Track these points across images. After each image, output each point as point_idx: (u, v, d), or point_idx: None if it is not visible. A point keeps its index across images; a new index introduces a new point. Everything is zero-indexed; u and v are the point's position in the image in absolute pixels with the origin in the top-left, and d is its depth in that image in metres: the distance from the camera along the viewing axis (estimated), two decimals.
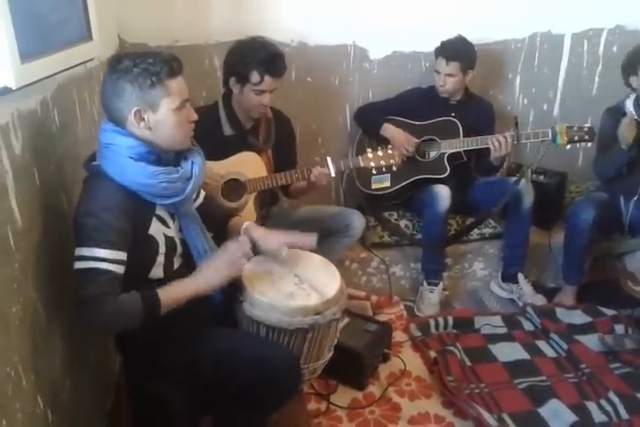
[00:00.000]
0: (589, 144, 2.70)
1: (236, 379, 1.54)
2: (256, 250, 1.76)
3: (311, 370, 1.73)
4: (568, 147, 2.64)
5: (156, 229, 1.59)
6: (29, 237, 1.39)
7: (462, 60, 2.68)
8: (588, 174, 3.16)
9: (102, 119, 1.57)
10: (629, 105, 2.69)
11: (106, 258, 1.43)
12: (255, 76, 2.25)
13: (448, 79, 2.71)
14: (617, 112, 2.73)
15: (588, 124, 2.65)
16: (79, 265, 1.44)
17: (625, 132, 2.51)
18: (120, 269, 1.47)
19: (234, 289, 1.65)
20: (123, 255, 1.47)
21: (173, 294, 1.51)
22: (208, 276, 1.57)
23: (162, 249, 1.61)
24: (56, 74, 1.56)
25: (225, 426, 1.72)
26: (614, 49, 3.16)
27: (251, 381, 1.52)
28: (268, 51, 2.26)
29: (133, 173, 1.48)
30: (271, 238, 1.77)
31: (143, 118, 1.48)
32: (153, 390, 1.64)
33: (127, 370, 1.76)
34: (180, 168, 1.56)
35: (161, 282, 1.56)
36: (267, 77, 2.25)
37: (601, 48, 3.17)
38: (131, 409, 1.84)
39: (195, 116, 1.55)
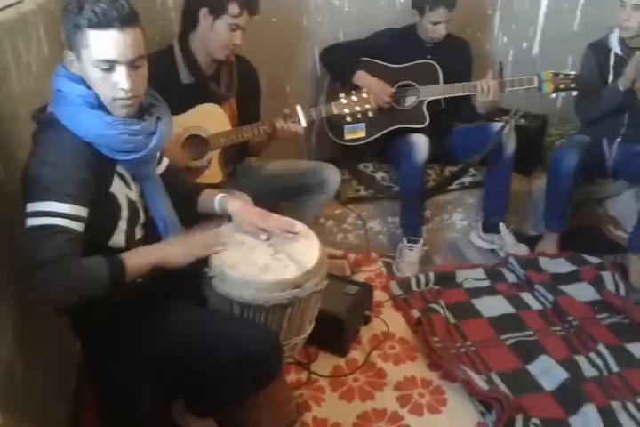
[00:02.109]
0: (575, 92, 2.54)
1: (210, 364, 1.40)
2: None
3: (291, 346, 1.60)
4: (553, 95, 2.50)
5: (118, 189, 1.41)
6: None
7: (454, 4, 2.47)
8: (567, 117, 3.04)
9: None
10: (614, 40, 2.54)
11: (66, 213, 1.25)
12: (234, 8, 2.02)
13: (445, 26, 2.50)
14: (601, 48, 2.60)
15: (573, 72, 2.49)
16: (32, 222, 1.25)
17: (632, 73, 2.35)
18: (80, 227, 1.29)
19: (200, 263, 1.48)
20: (83, 211, 1.29)
21: (138, 258, 1.36)
22: (177, 248, 1.43)
23: (124, 213, 1.43)
24: None
25: (199, 411, 1.59)
26: None
27: (226, 365, 1.39)
28: None
29: (89, 122, 1.30)
30: (248, 218, 1.58)
31: (71, 62, 1.32)
32: (115, 376, 1.50)
33: (85, 355, 1.61)
34: (142, 121, 1.38)
35: (121, 252, 1.38)
36: (245, 12, 2.03)
37: None
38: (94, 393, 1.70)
39: (124, 85, 1.30)
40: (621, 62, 2.50)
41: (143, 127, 1.37)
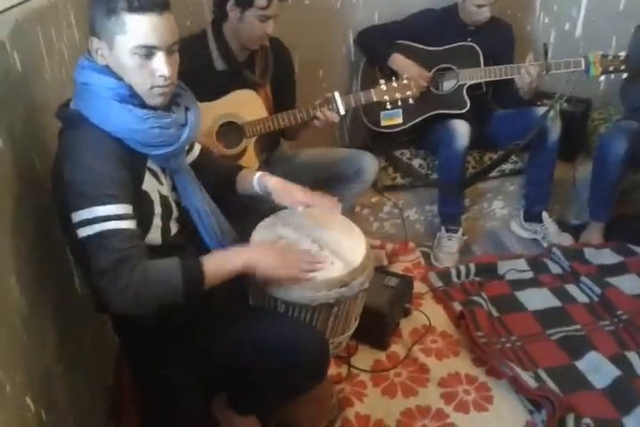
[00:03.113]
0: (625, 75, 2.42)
1: (257, 365, 1.35)
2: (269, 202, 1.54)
3: (336, 344, 1.54)
4: (602, 78, 2.38)
5: (150, 185, 1.35)
6: None
7: None
8: (611, 100, 2.91)
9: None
10: None
11: (111, 215, 1.19)
12: (261, 0, 1.93)
13: (488, 9, 2.38)
14: None
15: (622, 53, 2.36)
16: (82, 233, 1.19)
17: None
18: (132, 224, 1.22)
19: None
20: (129, 209, 1.22)
21: (217, 266, 1.27)
22: (266, 259, 1.34)
23: (157, 209, 1.37)
24: (10, 9, 1.30)
25: (242, 409, 1.55)
26: None
27: (272, 365, 1.33)
28: None
29: (118, 116, 1.23)
30: (287, 194, 1.52)
31: (97, 51, 1.24)
32: (158, 373, 1.46)
33: (128, 354, 1.57)
34: (171, 113, 1.31)
35: (158, 250, 1.33)
36: (273, 0, 1.94)
37: None
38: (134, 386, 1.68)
39: (165, 72, 1.23)
40: None
41: (174, 120, 1.30)
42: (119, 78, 1.25)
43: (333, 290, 1.37)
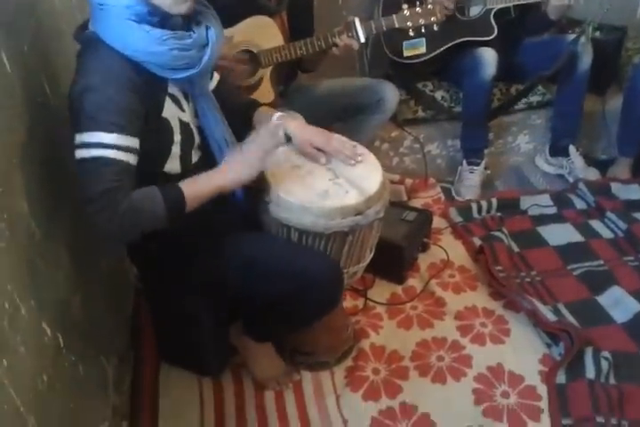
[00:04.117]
0: None
1: (270, 291, 1.35)
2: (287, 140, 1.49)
3: (350, 274, 1.53)
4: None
5: (170, 112, 1.32)
6: (8, 139, 1.14)
7: None
8: None
9: None
10: None
11: (114, 144, 1.17)
12: None
13: None
14: None
15: None
16: (80, 154, 1.18)
17: None
18: (132, 159, 1.21)
19: (257, 189, 1.39)
20: (134, 142, 1.21)
21: (196, 186, 1.27)
22: (234, 167, 1.31)
23: (177, 137, 1.34)
24: None
25: (258, 335, 1.57)
26: None
27: (287, 293, 1.33)
28: None
29: (137, 38, 1.19)
30: (308, 138, 1.46)
31: None
32: (173, 302, 1.47)
33: (144, 284, 1.58)
34: (192, 33, 1.26)
35: (178, 178, 1.31)
36: None
37: None
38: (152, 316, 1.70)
39: None
40: None
41: (194, 40, 1.25)
42: None
43: (348, 218, 1.35)
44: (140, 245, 1.39)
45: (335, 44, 1.99)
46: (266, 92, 2.07)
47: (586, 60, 2.35)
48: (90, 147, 1.17)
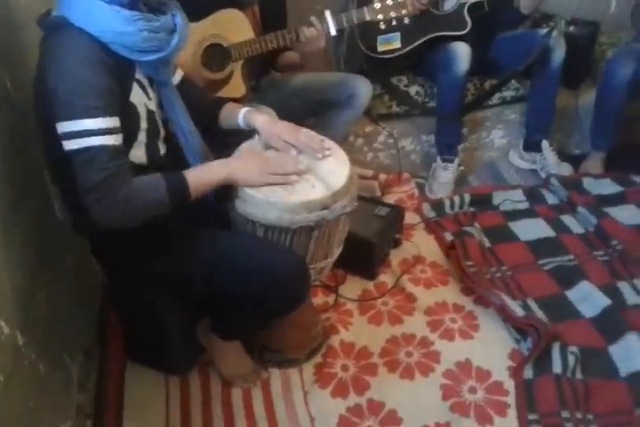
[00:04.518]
0: None
1: (236, 286, 1.33)
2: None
3: (318, 269, 1.52)
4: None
5: (137, 97, 1.30)
6: None
7: None
8: (622, 23, 2.73)
9: None
10: None
11: (99, 129, 1.15)
12: None
13: None
14: None
15: None
16: (68, 146, 1.16)
17: None
18: (118, 139, 1.19)
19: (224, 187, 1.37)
20: (116, 121, 1.19)
21: (201, 175, 1.29)
22: (247, 169, 1.34)
23: (143, 124, 1.32)
24: None
25: (225, 333, 1.55)
26: None
27: (252, 288, 1.32)
28: None
29: (107, 18, 1.17)
30: (276, 136, 1.45)
31: None
32: (138, 300, 1.45)
33: (109, 281, 1.56)
34: (160, 16, 1.25)
35: (144, 170, 1.29)
36: None
37: None
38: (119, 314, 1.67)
39: None
40: None
41: (162, 24, 1.24)
42: None
43: (314, 213, 1.33)
44: (102, 238, 1.37)
45: (305, 36, 1.97)
46: (237, 87, 2.04)
47: (559, 54, 2.35)
48: (77, 136, 1.15)
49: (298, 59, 2.14)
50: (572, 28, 2.65)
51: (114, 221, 1.20)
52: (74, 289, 1.68)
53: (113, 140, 1.18)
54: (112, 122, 1.18)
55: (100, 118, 1.16)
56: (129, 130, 1.28)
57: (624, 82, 2.32)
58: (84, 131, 1.15)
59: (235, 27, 2.01)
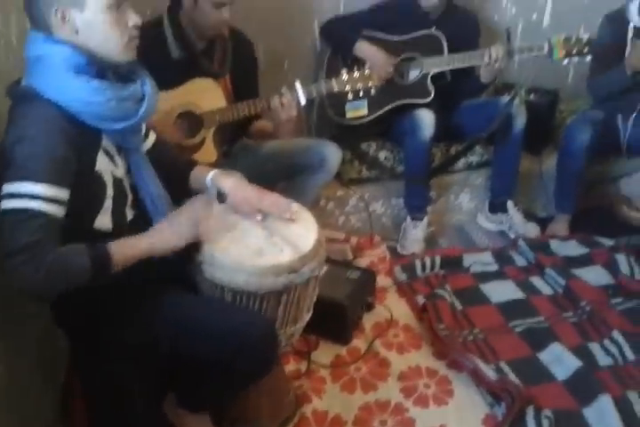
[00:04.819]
0: (588, 58, 2.40)
1: (201, 354, 1.30)
2: (222, 200, 1.49)
3: (288, 335, 1.49)
4: (565, 62, 2.36)
5: (103, 166, 1.30)
6: None
7: None
8: (579, 91, 2.88)
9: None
10: (634, 11, 2.38)
11: (42, 195, 1.14)
12: None
13: None
14: (618, 19, 2.44)
15: (586, 35, 2.34)
16: (6, 204, 1.14)
17: (633, 61, 2.21)
18: (59, 211, 1.18)
19: (190, 247, 1.37)
20: (63, 193, 1.18)
21: (125, 248, 1.24)
22: (166, 233, 1.30)
23: (109, 191, 1.32)
24: None
25: (192, 405, 1.50)
26: None
27: (218, 356, 1.28)
28: None
29: (75, 89, 1.19)
30: (243, 201, 1.47)
31: (66, 18, 1.19)
32: (102, 371, 1.40)
33: (72, 348, 1.51)
34: (128, 86, 1.28)
35: (110, 237, 1.27)
36: None
37: None
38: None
39: (138, 21, 1.27)
40: None
41: (131, 93, 1.27)
42: (75, 47, 1.22)
43: (282, 276, 1.33)
44: (63, 304, 1.34)
45: (276, 105, 2.03)
46: (208, 152, 2.08)
47: (520, 121, 2.46)
48: (17, 197, 1.14)
49: (269, 127, 2.20)
50: (532, 97, 2.79)
51: (36, 288, 1.14)
52: (36, 361, 1.62)
53: (53, 209, 1.16)
54: (60, 192, 1.17)
55: (48, 185, 1.15)
56: (94, 198, 1.28)
57: (582, 147, 2.42)
58: (28, 193, 1.14)
59: (207, 95, 2.07)
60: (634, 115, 2.48)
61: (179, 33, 2.03)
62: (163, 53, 2.03)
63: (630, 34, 2.39)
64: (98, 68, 1.25)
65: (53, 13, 1.20)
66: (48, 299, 1.29)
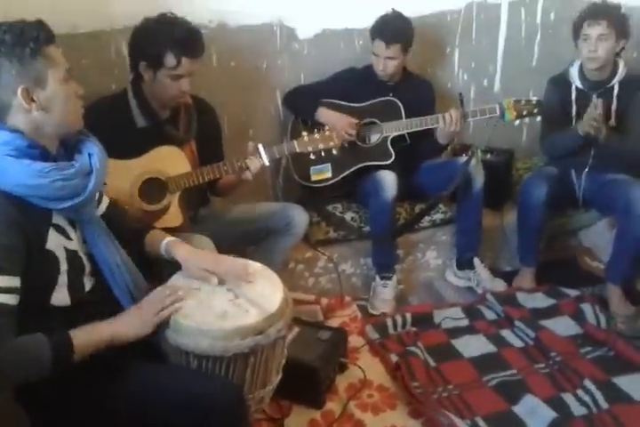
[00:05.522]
0: (538, 118, 2.53)
1: (169, 422, 1.26)
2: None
3: (258, 399, 1.47)
4: (517, 122, 2.49)
5: (55, 243, 1.28)
6: None
7: (403, 41, 2.46)
8: (534, 150, 3.03)
9: None
10: (574, 74, 2.55)
11: None
12: (170, 59, 1.94)
13: (389, 62, 2.49)
14: (562, 82, 2.61)
15: (535, 97, 2.48)
16: None
17: (591, 122, 2.34)
18: (12, 299, 1.17)
19: None
20: (14, 281, 1.17)
21: (88, 336, 1.24)
22: (129, 321, 1.31)
23: (63, 267, 1.30)
24: None
25: None
26: (552, 16, 3.02)
27: (187, 422, 1.25)
28: (182, 28, 1.95)
29: (16, 173, 1.19)
30: (197, 263, 1.48)
31: (33, 98, 1.21)
32: None
33: (32, 424, 1.46)
34: (74, 162, 1.28)
35: (70, 311, 1.27)
36: (184, 59, 1.95)
37: (538, 16, 3.02)
38: None
39: (81, 90, 1.31)
40: (583, 96, 2.52)
41: (77, 169, 1.28)
42: (14, 131, 1.23)
43: (248, 338, 1.32)
44: (26, 387, 1.30)
45: (240, 167, 2.08)
46: (174, 217, 2.10)
47: (479, 180, 2.55)
48: None
49: (235, 179, 2.20)
50: (489, 156, 2.90)
51: None
52: None
53: (6, 299, 1.16)
54: (11, 281, 1.17)
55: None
56: (47, 277, 1.28)
57: (540, 202, 2.51)
58: None
59: (172, 161, 2.11)
60: (586, 170, 2.60)
61: (143, 103, 2.09)
62: (128, 123, 2.08)
63: (574, 95, 2.55)
64: (40, 149, 1.26)
65: (18, 95, 1.20)
66: (4, 390, 1.26)
